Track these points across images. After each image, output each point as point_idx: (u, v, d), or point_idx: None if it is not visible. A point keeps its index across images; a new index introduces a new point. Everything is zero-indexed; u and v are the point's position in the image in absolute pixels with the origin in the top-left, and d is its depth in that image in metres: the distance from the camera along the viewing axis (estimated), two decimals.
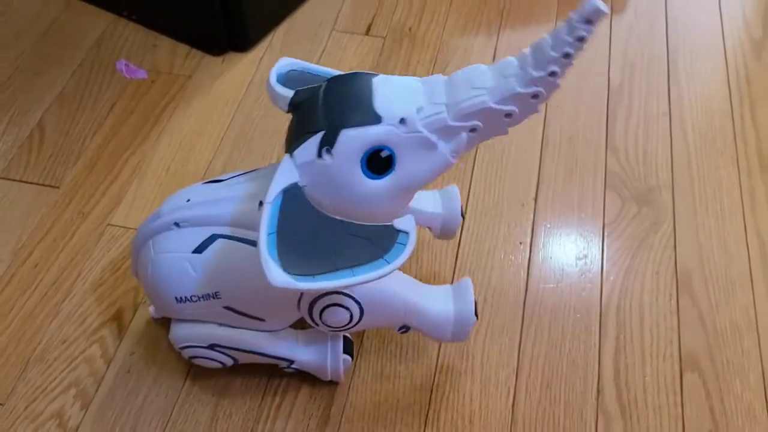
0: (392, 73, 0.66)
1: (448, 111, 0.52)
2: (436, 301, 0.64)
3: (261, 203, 0.55)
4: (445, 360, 0.73)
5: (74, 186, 0.86)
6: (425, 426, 0.69)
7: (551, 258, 0.81)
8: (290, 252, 0.52)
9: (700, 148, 0.92)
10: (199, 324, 0.65)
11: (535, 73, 0.50)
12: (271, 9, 1.06)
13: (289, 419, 0.69)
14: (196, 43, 1.03)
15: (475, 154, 0.91)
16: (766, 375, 0.72)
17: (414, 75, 0.59)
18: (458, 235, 0.82)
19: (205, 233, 0.60)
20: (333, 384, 0.71)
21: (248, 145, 0.91)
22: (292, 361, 0.68)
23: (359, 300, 0.60)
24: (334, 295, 0.59)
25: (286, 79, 0.61)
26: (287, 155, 0.54)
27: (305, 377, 0.70)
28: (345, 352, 0.68)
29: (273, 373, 0.71)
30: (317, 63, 1.02)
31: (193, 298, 0.62)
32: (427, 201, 0.73)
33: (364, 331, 0.74)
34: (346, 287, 0.57)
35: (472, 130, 0.52)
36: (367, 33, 1.06)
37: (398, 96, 0.53)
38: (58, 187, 0.86)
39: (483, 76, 0.52)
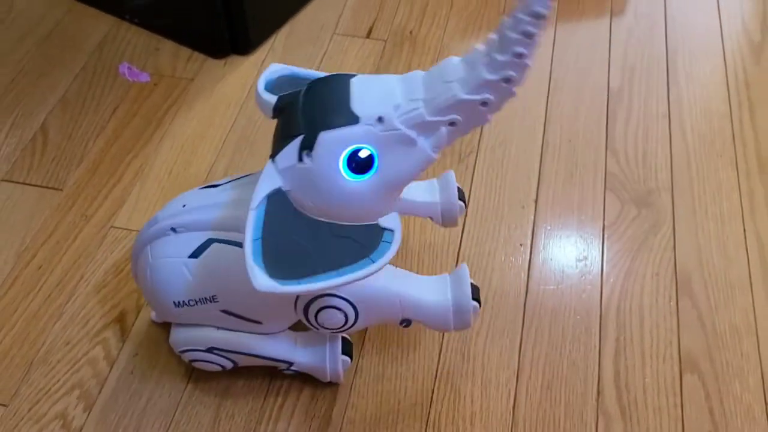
0: None
1: (426, 106, 0.52)
2: (433, 291, 0.63)
3: None
4: (446, 362, 0.73)
5: (77, 188, 0.87)
6: (426, 427, 0.69)
7: (551, 260, 0.82)
8: (276, 256, 0.52)
9: (699, 150, 0.92)
10: (197, 328, 0.66)
11: (501, 58, 0.49)
12: (273, 12, 1.07)
13: (291, 420, 0.69)
14: (198, 46, 1.04)
15: (475, 156, 0.91)
16: (765, 377, 0.73)
17: None
18: (459, 236, 0.83)
19: (201, 238, 0.61)
20: (335, 385, 0.71)
21: (250, 148, 0.92)
22: (291, 363, 0.68)
23: (351, 300, 0.60)
24: (326, 297, 0.60)
25: (275, 86, 0.61)
26: (270, 160, 0.54)
27: (306, 379, 0.71)
28: (344, 353, 0.68)
29: (275, 375, 0.71)
30: (319, 66, 1.02)
31: (191, 302, 0.62)
32: (424, 191, 0.72)
33: (365, 332, 0.75)
34: (334, 288, 0.57)
35: (451, 123, 0.52)
36: (368, 36, 1.07)
37: (375, 95, 0.53)
38: (61, 190, 0.87)
39: (455, 68, 0.52)
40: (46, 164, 0.89)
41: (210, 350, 0.66)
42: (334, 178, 0.52)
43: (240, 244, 0.59)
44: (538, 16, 0.47)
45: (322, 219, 0.54)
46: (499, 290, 0.79)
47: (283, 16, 1.08)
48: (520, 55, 0.49)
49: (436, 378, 0.72)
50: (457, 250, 0.82)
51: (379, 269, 0.53)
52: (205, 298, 0.62)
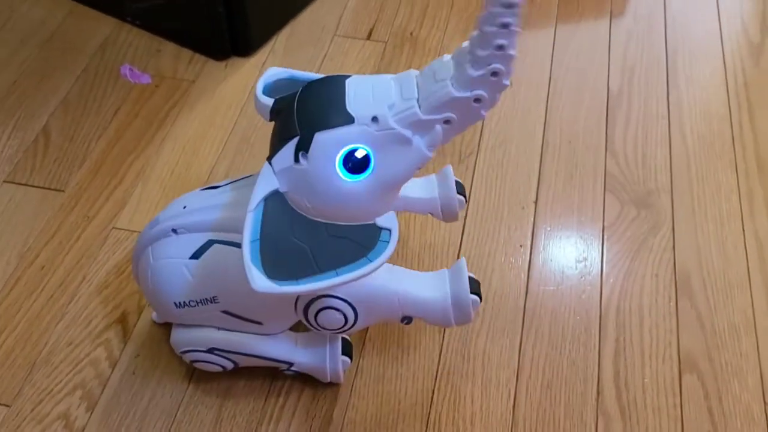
0: None
1: (420, 105, 0.52)
2: (431, 288, 0.62)
3: None
4: (447, 362, 0.73)
5: (79, 190, 0.87)
6: (426, 427, 0.69)
7: (551, 260, 0.82)
8: (274, 257, 0.53)
9: (698, 151, 0.93)
10: (198, 328, 0.66)
11: (483, 53, 0.49)
12: (274, 14, 1.07)
13: (292, 420, 0.69)
14: (199, 48, 1.04)
15: (475, 157, 0.91)
16: (764, 377, 0.73)
17: None
18: (459, 236, 0.83)
19: (201, 239, 0.61)
20: (335, 386, 0.71)
21: (251, 149, 0.92)
22: (291, 364, 0.68)
23: (348, 300, 0.60)
24: (325, 298, 0.60)
25: (274, 89, 0.61)
26: (267, 163, 0.55)
27: (307, 379, 0.71)
28: (344, 353, 0.68)
29: (276, 375, 0.71)
30: (319, 67, 1.03)
31: (192, 303, 0.63)
32: (423, 187, 0.72)
33: (365, 333, 0.75)
34: (331, 288, 0.57)
35: (446, 121, 0.52)
36: (368, 38, 1.07)
37: (370, 95, 0.53)
38: (63, 191, 0.87)
39: (446, 66, 0.52)
40: (48, 166, 0.90)
41: (211, 351, 0.66)
42: (330, 179, 0.53)
43: (240, 245, 0.59)
44: (510, 6, 0.47)
45: (320, 219, 0.54)
46: (499, 291, 0.79)
47: (284, 18, 1.09)
48: (500, 47, 0.49)
49: (436, 378, 0.72)
50: (457, 250, 0.82)
51: (377, 268, 0.54)
52: (206, 298, 0.62)
